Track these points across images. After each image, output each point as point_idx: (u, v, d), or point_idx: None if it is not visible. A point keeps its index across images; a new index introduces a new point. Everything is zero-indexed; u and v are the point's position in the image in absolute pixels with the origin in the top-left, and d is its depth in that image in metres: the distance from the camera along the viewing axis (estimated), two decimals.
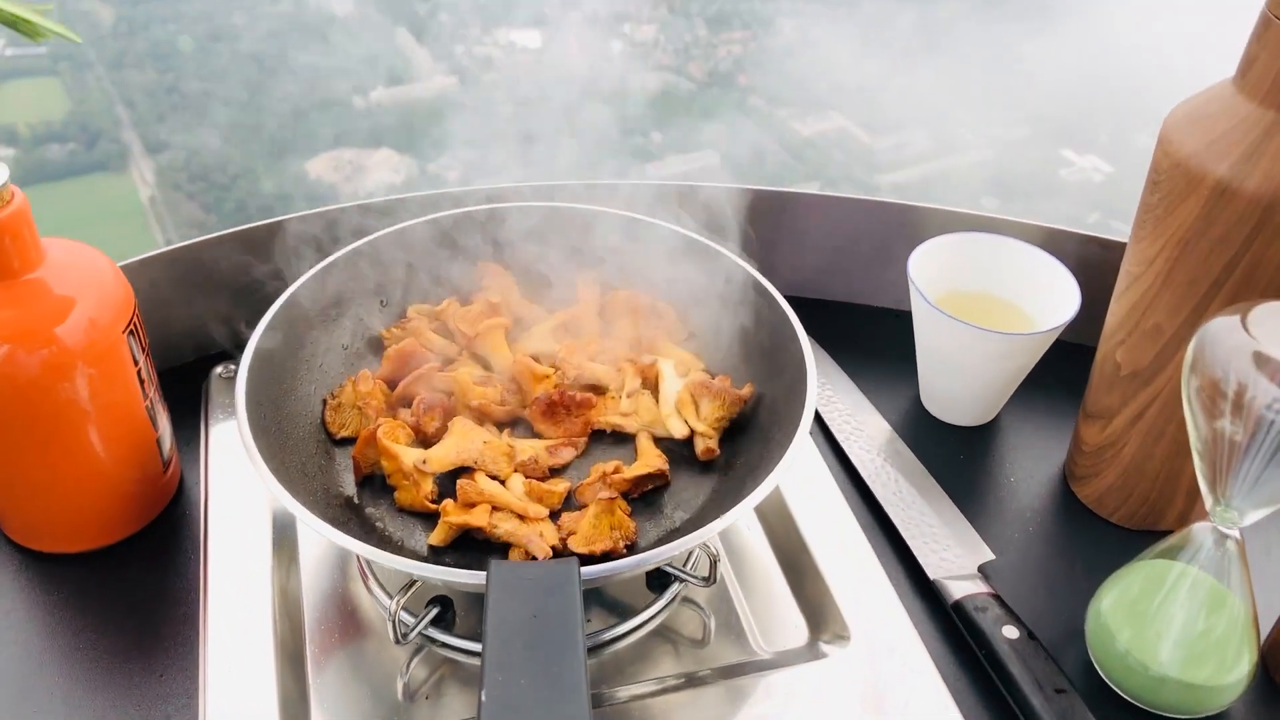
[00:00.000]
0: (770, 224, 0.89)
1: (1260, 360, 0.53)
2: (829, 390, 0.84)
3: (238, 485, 0.73)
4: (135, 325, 0.67)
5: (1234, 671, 0.62)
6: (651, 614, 0.66)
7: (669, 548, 0.57)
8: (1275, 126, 0.58)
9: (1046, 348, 0.76)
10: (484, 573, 0.54)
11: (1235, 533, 0.60)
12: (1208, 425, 0.55)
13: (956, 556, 0.70)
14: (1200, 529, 0.61)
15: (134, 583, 0.69)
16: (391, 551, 0.59)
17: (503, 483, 0.67)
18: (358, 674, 0.64)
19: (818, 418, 0.81)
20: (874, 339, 0.88)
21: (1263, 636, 0.66)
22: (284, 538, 0.71)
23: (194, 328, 0.82)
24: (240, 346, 0.67)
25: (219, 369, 0.82)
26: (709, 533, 0.58)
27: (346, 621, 0.67)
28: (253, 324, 0.69)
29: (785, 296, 0.71)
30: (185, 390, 0.81)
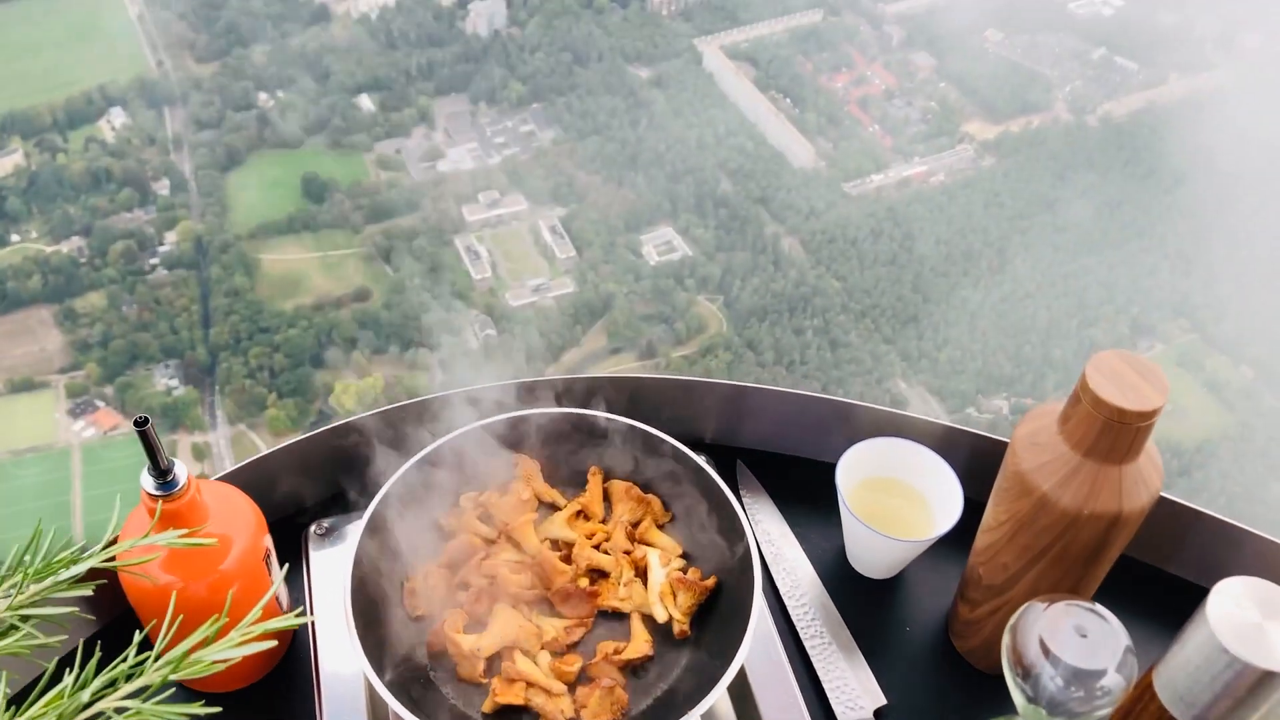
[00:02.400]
0: (735, 404, 1.14)
1: (1045, 648, 0.79)
2: (776, 546, 1.10)
3: (339, 632, 1.00)
4: (268, 534, 0.93)
5: None
6: None
7: None
8: (1079, 466, 0.83)
9: (938, 539, 1.02)
10: None
11: None
12: (1014, 676, 0.82)
13: (859, 702, 0.98)
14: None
15: (270, 711, 0.97)
16: (457, 717, 0.87)
17: (533, 658, 0.94)
18: None
19: (766, 571, 1.08)
20: (816, 490, 1.14)
21: None
22: None
23: (291, 496, 1.08)
24: (322, 508, 0.94)
25: (313, 527, 1.08)
26: (692, 716, 0.85)
27: None
28: (332, 496, 0.95)
29: (747, 450, 0.98)
30: (284, 534, 1.07)
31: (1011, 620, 0.82)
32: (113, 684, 0.59)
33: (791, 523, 1.13)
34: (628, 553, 1.00)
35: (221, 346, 17.01)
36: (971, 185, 20.87)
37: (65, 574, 0.61)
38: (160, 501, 0.84)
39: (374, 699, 0.97)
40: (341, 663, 0.98)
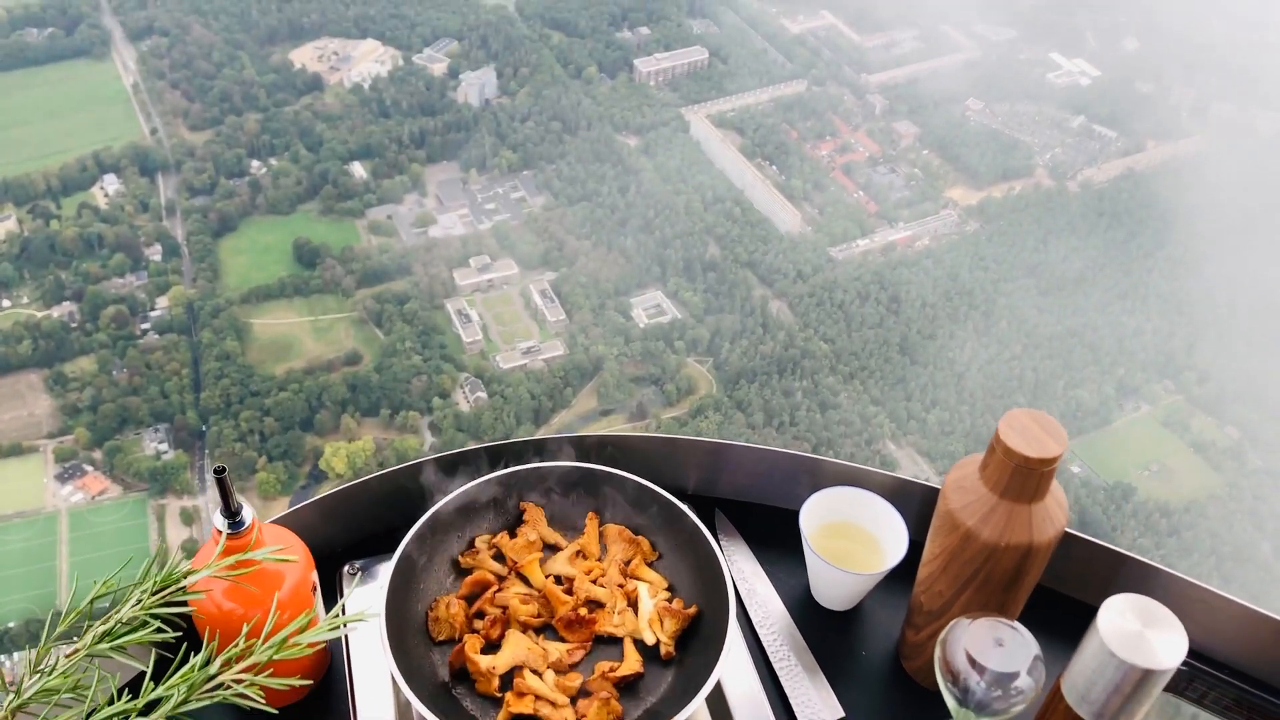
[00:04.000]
0: (715, 458, 1.31)
1: (969, 657, 0.95)
2: (749, 583, 1.26)
3: (370, 656, 1.16)
4: (315, 578, 1.09)
5: None
6: None
7: None
8: (996, 505, 1.00)
9: (887, 573, 1.18)
10: None
11: None
12: (945, 682, 0.98)
13: (820, 714, 1.14)
14: None
15: None
16: None
17: (540, 675, 1.09)
18: None
19: (741, 604, 1.24)
20: (785, 535, 1.30)
21: None
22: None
23: (328, 540, 1.24)
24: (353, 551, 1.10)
25: (346, 568, 1.24)
26: None
27: None
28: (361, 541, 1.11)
29: (725, 499, 1.14)
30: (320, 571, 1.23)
31: (942, 636, 0.99)
32: (228, 663, 0.75)
33: (763, 562, 1.29)
34: (621, 586, 1.16)
35: (212, 410, 17.12)
36: (956, 249, 21.24)
37: (185, 581, 0.77)
38: (228, 538, 1.00)
39: (401, 714, 1.12)
40: (373, 683, 1.14)
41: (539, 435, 1.29)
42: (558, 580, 1.17)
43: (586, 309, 19.32)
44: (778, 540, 1.30)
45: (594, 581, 1.17)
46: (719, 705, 1.14)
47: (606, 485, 1.21)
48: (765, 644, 1.21)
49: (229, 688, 0.72)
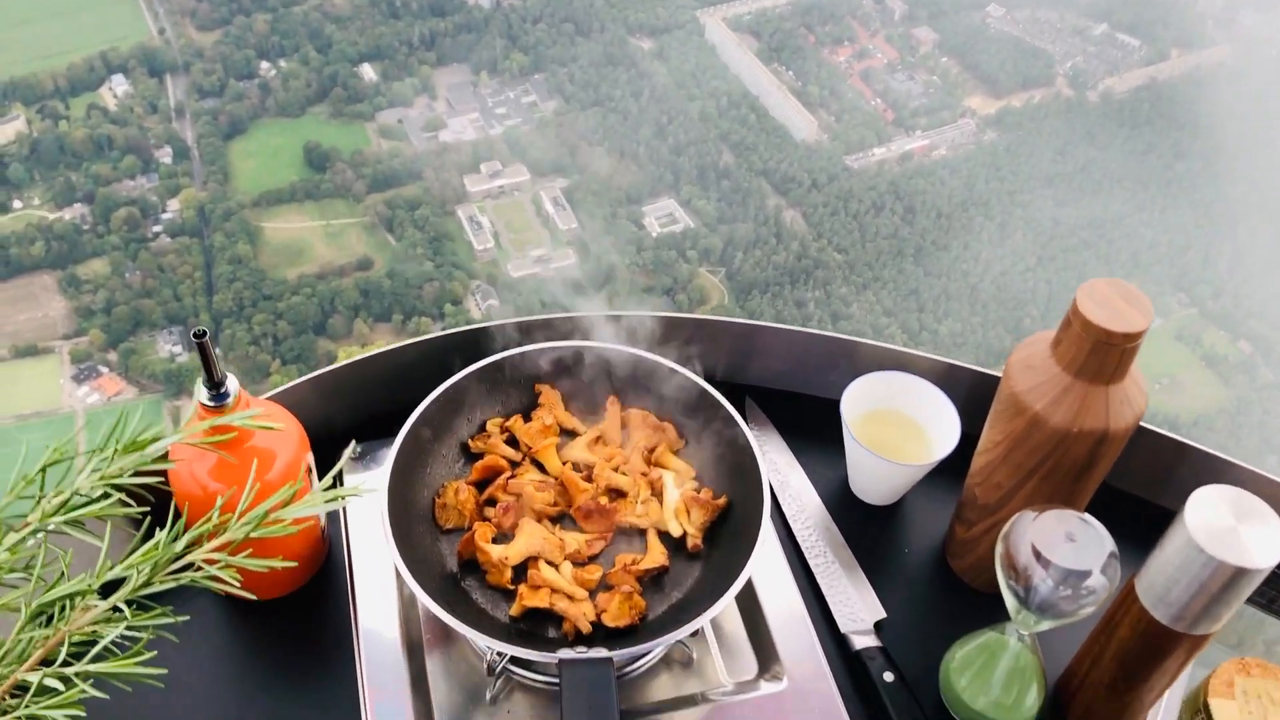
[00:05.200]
0: (745, 342, 1.20)
1: (1035, 552, 0.86)
2: (783, 474, 1.16)
3: (372, 545, 1.07)
4: (309, 460, 0.99)
5: (1030, 706, 0.97)
6: (657, 652, 1.01)
7: (682, 630, 0.91)
8: (1070, 386, 0.89)
9: (937, 464, 1.08)
10: (553, 655, 0.89)
11: (1028, 633, 0.94)
12: (1006, 580, 0.88)
13: (860, 614, 1.05)
14: (1011, 625, 0.96)
15: (309, 618, 1.04)
16: (485, 621, 0.95)
17: (556, 568, 1.00)
18: (460, 682, 0.99)
19: (773, 498, 1.14)
20: (821, 425, 1.19)
21: (1049, 685, 1.01)
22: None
23: (329, 421, 1.14)
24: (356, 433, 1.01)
25: (348, 450, 1.14)
26: (705, 619, 0.92)
27: (451, 646, 1.01)
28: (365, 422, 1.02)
29: (756, 387, 1.04)
30: (320, 457, 1.13)
31: (1004, 530, 0.89)
32: (198, 542, 0.65)
33: (797, 454, 1.19)
34: (644, 474, 1.06)
35: (225, 314, 17.06)
36: (973, 159, 20.87)
37: (151, 449, 0.67)
38: (210, 413, 0.90)
39: (405, 607, 1.03)
40: (375, 574, 1.05)
41: (566, 313, 1.20)
42: (575, 468, 1.07)
43: (599, 217, 19.09)
44: (813, 431, 1.20)
45: (615, 469, 1.07)
46: (750, 604, 1.05)
47: (629, 367, 1.11)
48: (800, 540, 1.11)
49: (200, 569, 0.63)
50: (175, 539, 0.65)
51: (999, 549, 0.89)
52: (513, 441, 1.10)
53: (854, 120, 21.55)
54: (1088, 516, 0.88)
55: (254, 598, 0.67)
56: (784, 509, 1.14)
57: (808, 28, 23.84)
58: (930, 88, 22.75)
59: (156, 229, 18.66)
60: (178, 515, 0.70)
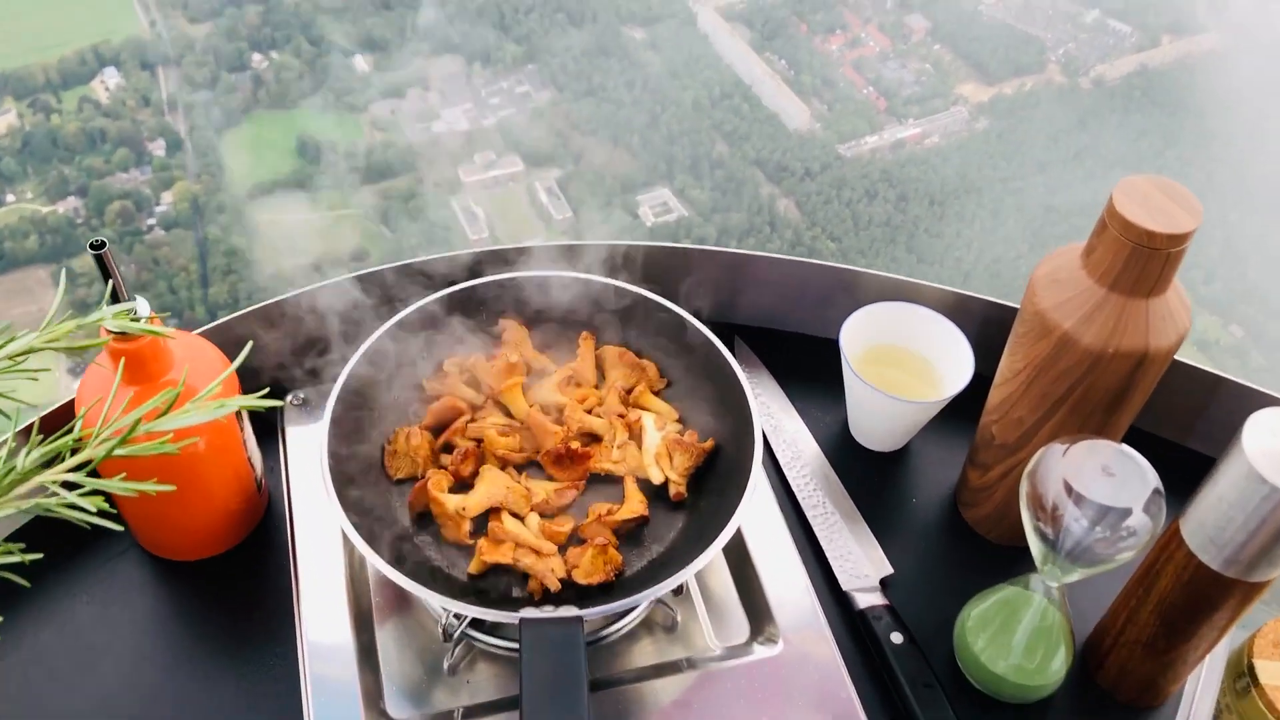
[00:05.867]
0: (733, 275, 1.08)
1: (1068, 488, 0.74)
2: (775, 419, 1.05)
3: (314, 500, 0.95)
4: (239, 393, 0.88)
5: (1057, 669, 0.86)
6: (636, 614, 0.90)
7: (662, 586, 0.79)
8: (1104, 300, 0.78)
9: (947, 403, 0.97)
10: (514, 613, 0.77)
11: (1056, 584, 0.83)
12: (1033, 521, 0.77)
13: (864, 570, 0.94)
14: (1036, 577, 0.84)
15: (243, 580, 0.92)
16: (439, 579, 0.83)
17: (522, 520, 0.89)
18: (414, 651, 0.87)
19: (765, 444, 1.03)
20: (817, 366, 1.08)
21: (1078, 645, 0.90)
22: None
23: (265, 364, 1.02)
24: (300, 380, 0.91)
25: (289, 397, 1.02)
26: (688, 573, 0.80)
27: (405, 611, 0.90)
28: (312, 366, 0.91)
29: (746, 326, 0.93)
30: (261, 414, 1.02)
31: (1030, 464, 0.77)
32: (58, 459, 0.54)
33: (792, 399, 1.07)
34: (621, 416, 0.95)
35: (220, 306, 16.90)
36: (966, 147, 20.73)
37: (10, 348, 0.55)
38: (115, 338, 0.78)
39: (353, 569, 0.92)
40: (319, 532, 0.93)
41: (535, 242, 1.09)
42: (544, 410, 0.96)
43: (593, 206, 18.94)
44: (809, 373, 1.09)
45: (589, 411, 0.96)
46: (741, 560, 0.93)
47: (603, 298, 0.99)
48: (796, 490, 1.00)
49: (54, 494, 0.51)
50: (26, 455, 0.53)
51: (1024, 487, 0.78)
52: (474, 384, 0.98)
53: (846, 109, 21.39)
54: (1125, 448, 0.76)
55: (118, 528, 0.55)
56: (778, 457, 1.02)
57: (800, 16, 23.68)
58: (923, 75, 22.60)
59: (150, 221, 18.47)
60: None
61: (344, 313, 0.98)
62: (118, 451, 0.56)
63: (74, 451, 0.56)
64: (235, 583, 0.92)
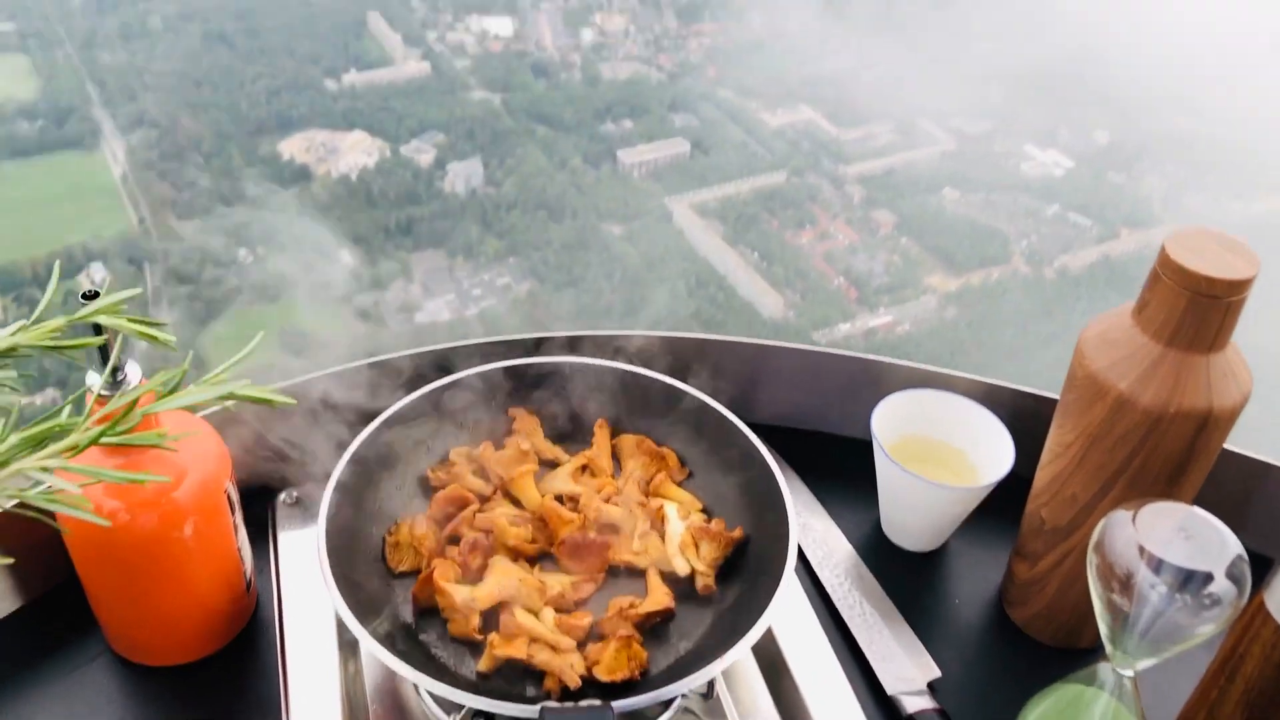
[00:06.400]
0: (751, 368, 1.04)
1: (1144, 553, 0.68)
2: (803, 518, 0.99)
3: (308, 601, 0.87)
4: (232, 478, 0.81)
5: None
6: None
7: (689, 680, 0.72)
8: (1162, 357, 0.73)
9: (986, 495, 0.91)
10: (534, 707, 0.69)
11: (1129, 673, 0.75)
12: (1105, 595, 0.70)
13: (909, 673, 0.85)
14: (1104, 668, 0.77)
15: (226, 689, 0.83)
16: (447, 676, 0.74)
17: (536, 615, 0.81)
18: None
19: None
20: (842, 465, 1.03)
21: None
22: (349, 646, 0.85)
23: (259, 461, 0.95)
24: (297, 480, 0.85)
25: (283, 496, 0.95)
26: (716, 669, 0.73)
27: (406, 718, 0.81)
28: (311, 463, 0.84)
29: (765, 425, 0.87)
30: (250, 513, 0.94)
31: (1094, 535, 0.71)
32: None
33: (818, 497, 1.01)
34: (641, 504, 0.88)
35: None
36: (936, 334, 21.12)
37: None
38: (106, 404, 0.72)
39: (346, 677, 0.83)
40: (311, 638, 0.85)
41: (546, 333, 1.04)
42: (558, 500, 0.89)
43: None
44: (835, 473, 1.03)
45: (606, 501, 0.89)
46: (772, 662, 0.85)
47: (618, 385, 0.94)
48: (830, 590, 0.92)
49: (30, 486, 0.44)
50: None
51: (1092, 560, 0.71)
52: (482, 475, 0.91)
53: (819, 298, 21.87)
54: (1199, 510, 0.70)
55: (105, 523, 0.48)
56: (808, 557, 0.95)
57: (770, 212, 24.47)
58: (891, 267, 23.23)
59: None
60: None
61: (348, 404, 0.92)
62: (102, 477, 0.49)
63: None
64: (217, 691, 0.83)
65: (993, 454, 0.93)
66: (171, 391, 0.52)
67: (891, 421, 0.95)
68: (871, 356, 1.02)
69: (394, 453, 0.89)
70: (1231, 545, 0.68)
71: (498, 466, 0.90)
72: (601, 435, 0.93)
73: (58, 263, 0.62)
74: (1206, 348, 0.73)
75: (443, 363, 0.97)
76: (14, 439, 0.46)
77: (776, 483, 0.85)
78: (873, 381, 1.02)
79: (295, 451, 0.92)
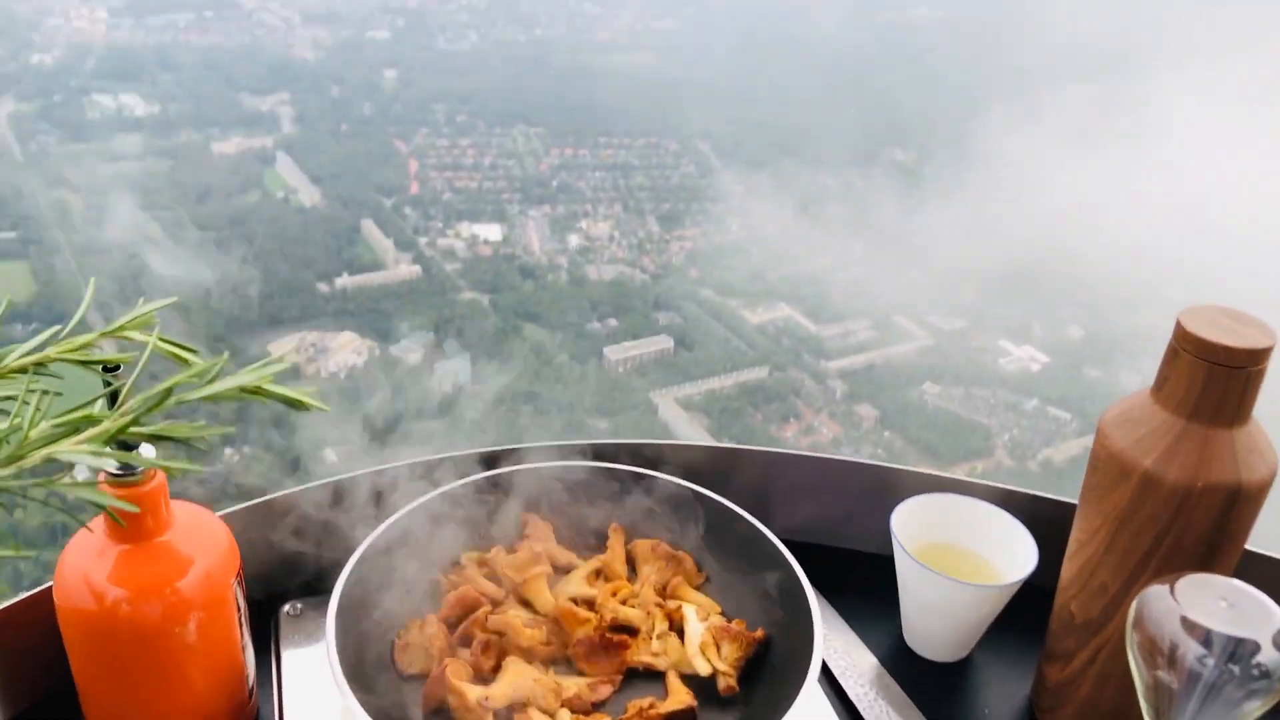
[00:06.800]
0: (764, 478, 1.03)
1: (1187, 624, 0.66)
2: (824, 629, 0.95)
3: (310, 712, 0.83)
4: (240, 577, 0.78)
5: None
6: None
7: None
8: (1185, 432, 0.73)
9: (1011, 595, 0.89)
10: None
11: None
12: (1149, 674, 0.68)
13: None
14: None
15: None
16: None
17: (552, 717, 0.77)
18: None
19: None
20: (860, 579, 1.00)
21: None
22: None
23: (263, 571, 0.93)
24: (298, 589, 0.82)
25: (286, 607, 0.92)
26: None
27: None
28: (317, 571, 0.82)
29: (780, 539, 0.86)
30: (253, 625, 0.91)
31: (1131, 614, 0.69)
32: None
33: (837, 608, 0.98)
34: (659, 605, 0.86)
35: None
36: None
37: None
38: (112, 484, 0.71)
39: None
40: None
41: (549, 442, 1.03)
42: (573, 603, 0.86)
43: None
44: (853, 587, 1.00)
45: (623, 603, 0.87)
46: None
47: (632, 490, 0.93)
48: (855, 700, 0.88)
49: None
50: None
51: (1131, 639, 0.69)
52: (494, 579, 0.89)
53: None
54: (1237, 581, 0.69)
55: (133, 508, 0.45)
56: (831, 667, 0.92)
57: (754, 406, 24.68)
58: (876, 459, 23.27)
59: None
60: None
61: (356, 512, 0.91)
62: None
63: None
64: None
65: (1014, 556, 0.91)
66: (210, 382, 0.51)
67: (910, 527, 0.93)
68: (886, 464, 1.01)
69: (403, 557, 0.87)
70: (1276, 614, 0.66)
71: (510, 570, 0.88)
72: (616, 539, 0.91)
73: (93, 280, 0.61)
74: (1230, 421, 0.73)
75: (453, 468, 0.96)
76: (44, 425, 0.45)
77: (798, 579, 0.83)
78: (888, 491, 1.00)
79: (302, 557, 0.90)
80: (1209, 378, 0.72)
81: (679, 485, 0.92)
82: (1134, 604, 0.69)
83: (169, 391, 0.49)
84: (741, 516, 0.89)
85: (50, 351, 0.50)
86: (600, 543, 0.93)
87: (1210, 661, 0.65)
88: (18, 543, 0.42)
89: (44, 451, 0.43)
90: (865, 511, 1.02)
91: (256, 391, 0.51)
